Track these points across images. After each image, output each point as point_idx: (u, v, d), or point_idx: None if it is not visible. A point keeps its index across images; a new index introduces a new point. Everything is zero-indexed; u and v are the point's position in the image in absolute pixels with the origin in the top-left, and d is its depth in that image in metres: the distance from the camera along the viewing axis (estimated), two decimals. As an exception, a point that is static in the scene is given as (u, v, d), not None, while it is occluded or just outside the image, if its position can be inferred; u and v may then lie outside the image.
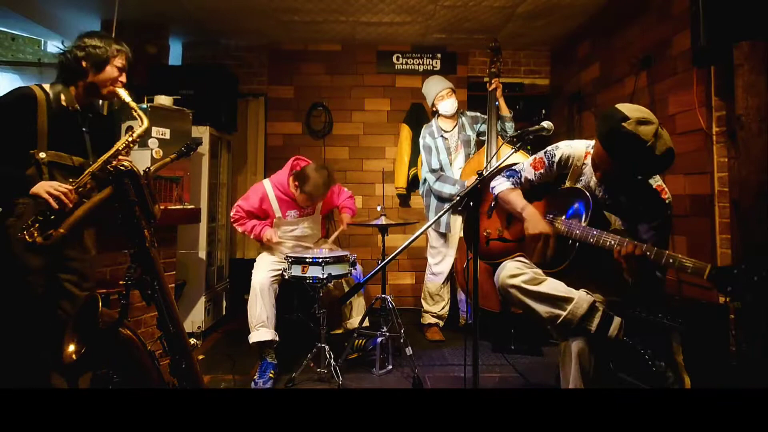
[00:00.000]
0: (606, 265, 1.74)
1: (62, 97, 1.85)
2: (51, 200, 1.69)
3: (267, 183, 2.97)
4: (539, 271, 1.88)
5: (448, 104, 3.36)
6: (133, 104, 1.88)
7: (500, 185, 2.11)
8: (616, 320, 1.75)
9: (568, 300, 1.76)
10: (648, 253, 1.58)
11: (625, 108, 1.63)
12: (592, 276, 1.86)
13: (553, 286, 1.81)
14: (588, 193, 1.83)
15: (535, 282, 1.82)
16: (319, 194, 2.81)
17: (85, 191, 1.79)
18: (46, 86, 1.86)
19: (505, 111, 3.31)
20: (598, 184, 1.87)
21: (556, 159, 1.96)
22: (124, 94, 1.90)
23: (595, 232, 1.73)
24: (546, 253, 1.87)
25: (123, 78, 1.92)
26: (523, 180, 2.07)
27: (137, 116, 1.87)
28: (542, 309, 1.79)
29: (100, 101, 2.23)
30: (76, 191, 1.76)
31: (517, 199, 2.01)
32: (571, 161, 1.93)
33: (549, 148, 2.00)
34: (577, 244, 1.80)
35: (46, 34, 4.16)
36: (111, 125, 2.14)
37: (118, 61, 1.90)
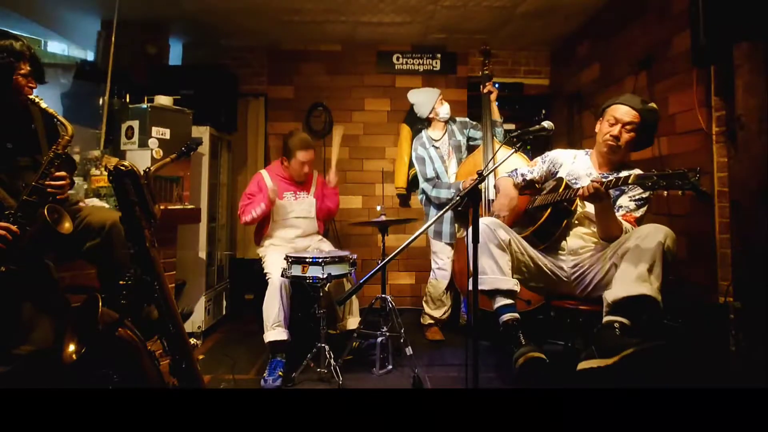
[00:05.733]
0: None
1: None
2: None
3: (263, 170, 3.24)
4: (516, 241, 2.19)
5: (446, 107, 3.46)
6: (51, 110, 1.80)
7: (500, 176, 2.58)
8: (514, 315, 2.04)
9: (503, 273, 2.08)
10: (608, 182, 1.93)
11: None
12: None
13: (506, 260, 2.11)
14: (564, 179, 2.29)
15: (498, 245, 2.11)
16: (303, 140, 3.07)
17: (24, 217, 1.68)
18: None
19: (497, 116, 3.38)
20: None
21: (548, 157, 2.45)
22: (40, 102, 1.79)
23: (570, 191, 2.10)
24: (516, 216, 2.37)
25: (31, 83, 1.80)
26: (518, 174, 2.50)
27: (60, 123, 1.78)
28: (482, 261, 2.04)
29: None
30: (16, 221, 1.66)
31: (503, 181, 2.50)
32: (558, 159, 2.40)
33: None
34: (549, 209, 2.18)
35: (46, 34, 4.16)
36: (27, 123, 1.90)
37: (23, 69, 1.77)
